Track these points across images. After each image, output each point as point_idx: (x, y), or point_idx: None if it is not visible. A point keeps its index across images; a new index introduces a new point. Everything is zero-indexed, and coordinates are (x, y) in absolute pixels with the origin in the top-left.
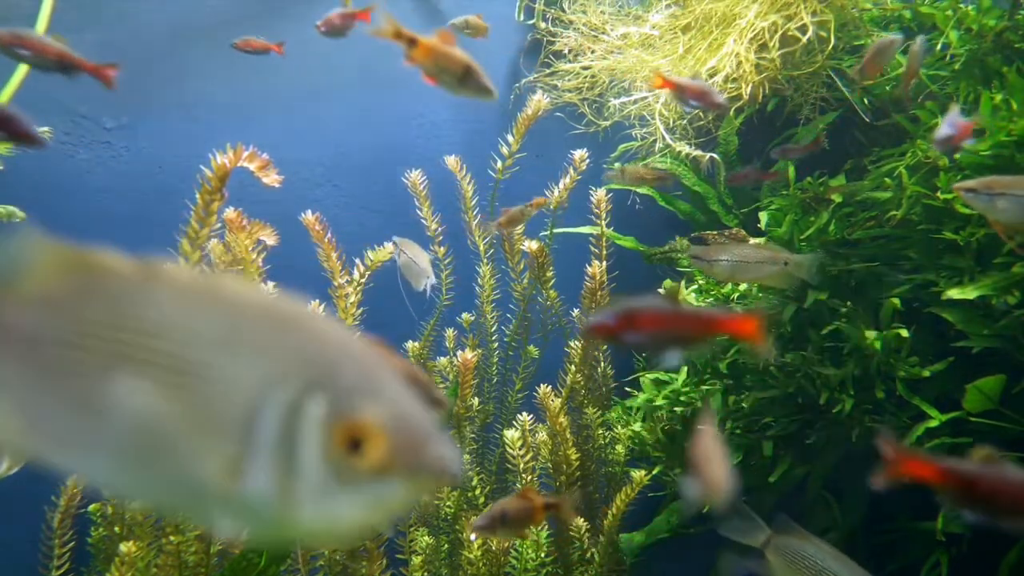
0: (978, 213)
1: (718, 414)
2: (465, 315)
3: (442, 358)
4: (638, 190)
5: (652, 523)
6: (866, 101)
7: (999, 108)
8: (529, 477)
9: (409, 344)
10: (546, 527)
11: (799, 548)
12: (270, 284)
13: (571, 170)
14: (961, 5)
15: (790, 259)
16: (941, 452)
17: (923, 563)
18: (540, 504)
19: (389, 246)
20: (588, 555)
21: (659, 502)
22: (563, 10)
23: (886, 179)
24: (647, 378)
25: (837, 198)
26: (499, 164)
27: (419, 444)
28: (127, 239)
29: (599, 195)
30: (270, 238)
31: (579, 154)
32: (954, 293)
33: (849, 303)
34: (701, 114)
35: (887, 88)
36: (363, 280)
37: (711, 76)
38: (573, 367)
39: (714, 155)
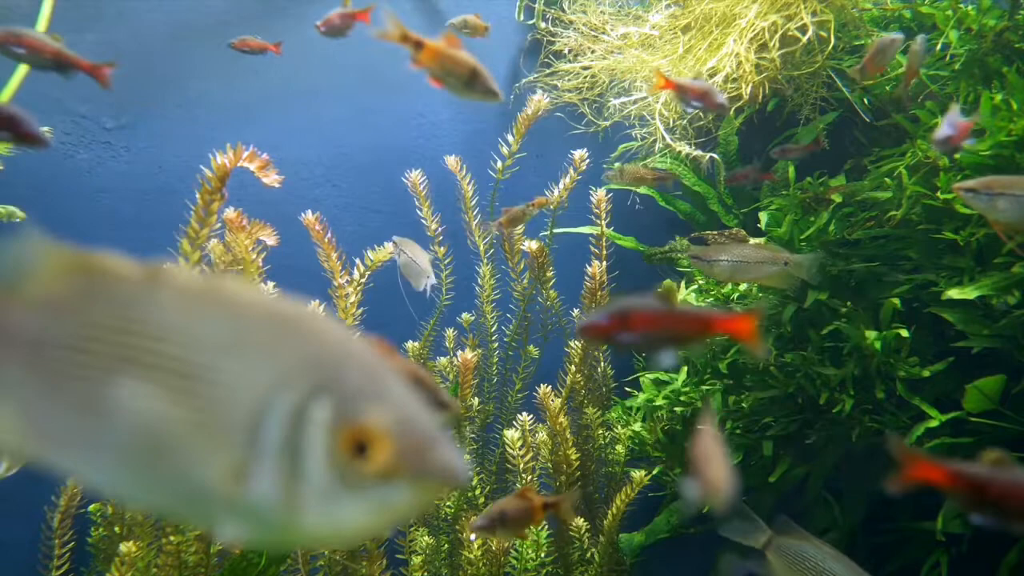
0: (978, 213)
1: (718, 414)
2: (465, 315)
3: (442, 358)
4: (638, 190)
5: (652, 523)
6: (866, 101)
7: (999, 108)
8: (529, 477)
9: (409, 344)
10: (546, 527)
11: (800, 549)
12: (270, 284)
13: (571, 170)
14: (961, 5)
15: (790, 259)
16: (941, 452)
17: (923, 563)
18: (539, 504)
19: (389, 246)
20: (588, 555)
21: (659, 502)
22: (563, 10)
23: (886, 179)
24: (647, 378)
25: (837, 198)
26: (499, 164)
27: (424, 448)
28: (127, 239)
29: (599, 195)
30: (270, 238)
31: (579, 154)
32: (954, 293)
33: (849, 303)
34: (701, 114)
35: (887, 88)
36: (363, 280)
37: (711, 76)
38: (573, 367)
39: (714, 155)
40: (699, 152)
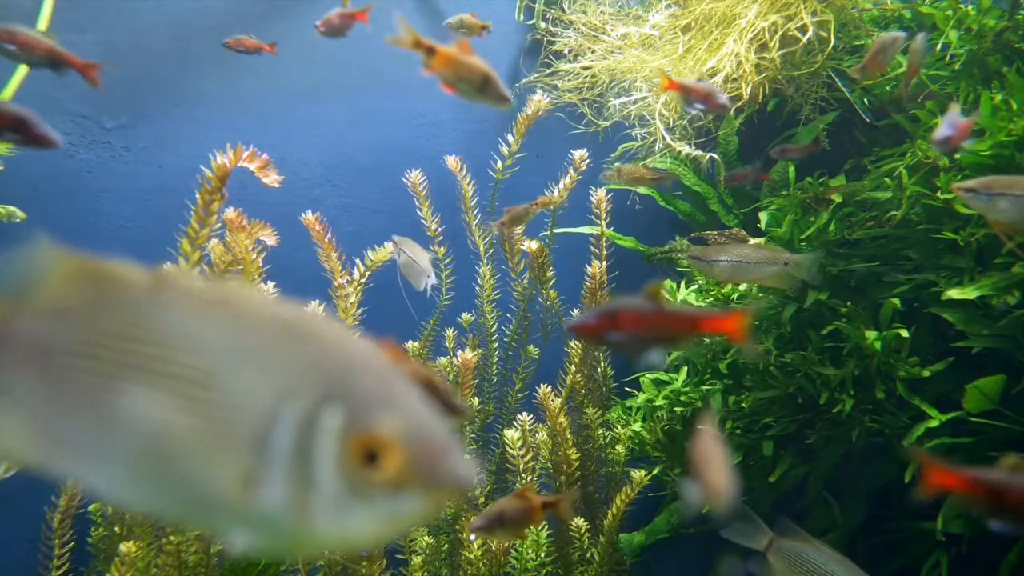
0: (978, 213)
1: (718, 414)
2: (465, 315)
3: (442, 358)
4: (638, 190)
5: (652, 523)
6: (866, 101)
7: (999, 108)
8: (529, 477)
9: (409, 344)
10: (546, 527)
11: (801, 551)
12: (270, 284)
13: (571, 170)
14: (961, 5)
15: (790, 259)
16: (941, 452)
17: (923, 563)
18: (538, 504)
19: (389, 246)
20: (588, 555)
21: (659, 502)
22: (563, 10)
23: (886, 179)
24: (647, 378)
25: (837, 198)
26: (499, 164)
27: (435, 457)
28: (127, 239)
29: (599, 195)
30: (270, 238)
31: (579, 154)
32: (954, 293)
33: (849, 303)
34: (701, 114)
35: (887, 88)
36: (363, 280)
37: (711, 76)
38: (573, 367)
39: (714, 155)
40: (699, 152)
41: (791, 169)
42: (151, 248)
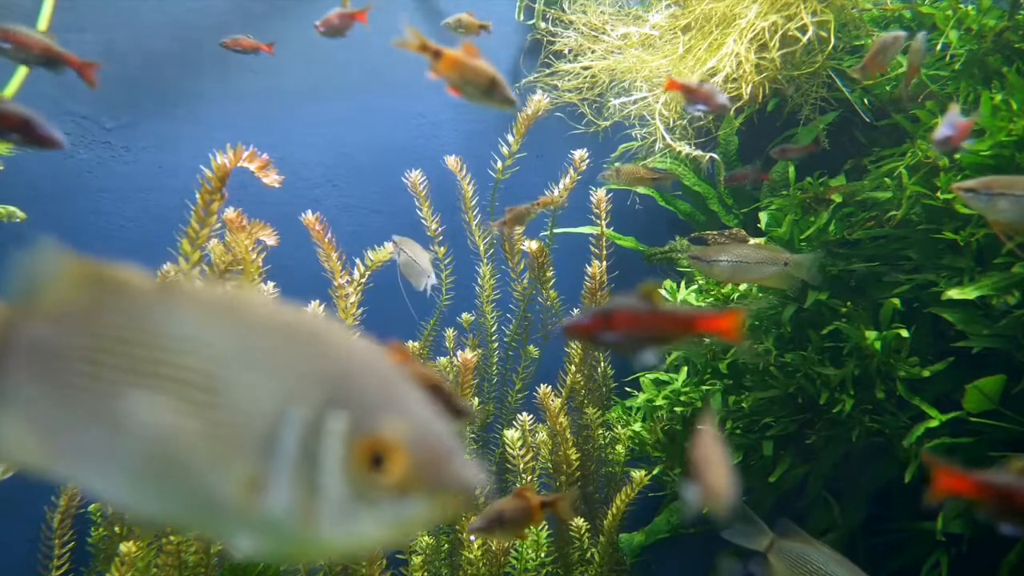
0: (978, 213)
1: (718, 414)
2: (465, 315)
3: (442, 358)
4: (638, 190)
5: (652, 523)
6: (866, 101)
7: (999, 108)
8: (529, 477)
9: (409, 344)
10: (546, 527)
11: (802, 552)
12: (270, 284)
13: (571, 170)
14: (961, 5)
15: (790, 259)
16: (941, 452)
17: (923, 563)
18: (537, 503)
19: (389, 246)
20: (588, 555)
21: (659, 502)
22: (563, 10)
23: (886, 179)
24: (647, 378)
25: (837, 198)
26: (499, 164)
27: (441, 461)
28: (127, 239)
29: (599, 195)
30: (270, 238)
31: (579, 154)
32: (954, 293)
33: (849, 303)
34: (701, 114)
35: (887, 88)
36: (363, 280)
37: (711, 76)
38: (573, 367)
39: (714, 155)
40: (699, 152)
41: (791, 169)
42: (151, 248)
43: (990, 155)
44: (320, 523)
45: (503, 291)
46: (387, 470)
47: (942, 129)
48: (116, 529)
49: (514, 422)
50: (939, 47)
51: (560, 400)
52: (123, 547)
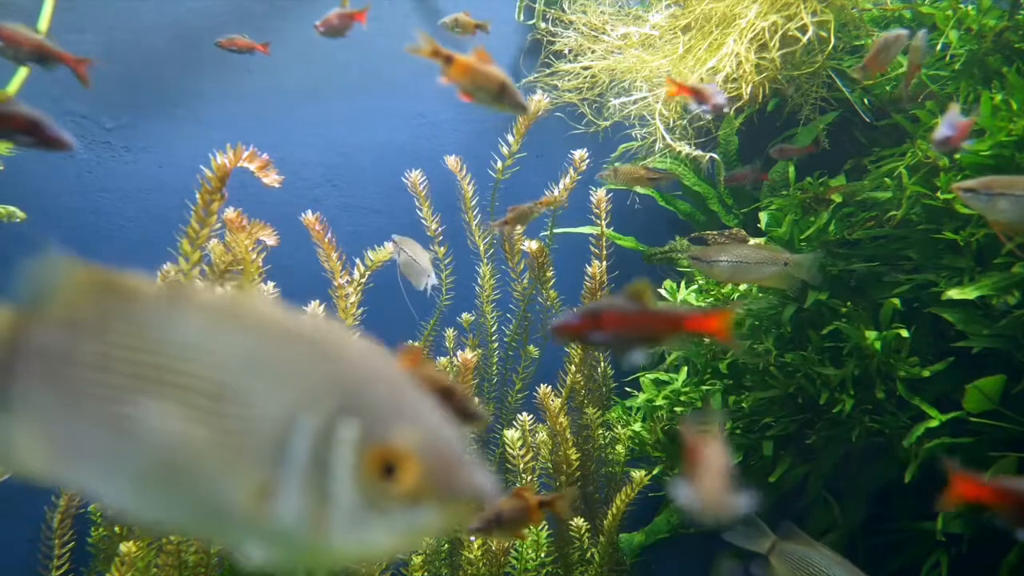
0: (978, 213)
1: (719, 415)
2: (465, 315)
3: (442, 358)
4: (638, 190)
5: (652, 523)
6: (866, 101)
7: (999, 108)
8: (529, 477)
9: (409, 344)
10: (546, 527)
11: (804, 555)
12: (270, 284)
13: (571, 170)
14: (961, 5)
15: (790, 259)
16: (941, 452)
17: (923, 563)
18: (535, 503)
19: (389, 246)
20: (588, 555)
21: (659, 502)
22: (563, 10)
23: (886, 179)
24: (647, 378)
25: (837, 198)
26: (499, 164)
27: (452, 469)
28: (127, 239)
29: (599, 195)
30: (270, 238)
31: (579, 154)
32: (954, 293)
33: (849, 303)
34: (702, 114)
35: (887, 88)
36: (363, 280)
37: (711, 76)
38: (573, 367)
39: (714, 155)
40: (699, 152)
41: (791, 169)
42: (151, 248)
43: (990, 155)
44: (331, 531)
45: (503, 291)
46: (398, 479)
47: (942, 129)
48: (116, 529)
49: (514, 422)
50: (939, 47)
51: (560, 400)
52: (123, 547)
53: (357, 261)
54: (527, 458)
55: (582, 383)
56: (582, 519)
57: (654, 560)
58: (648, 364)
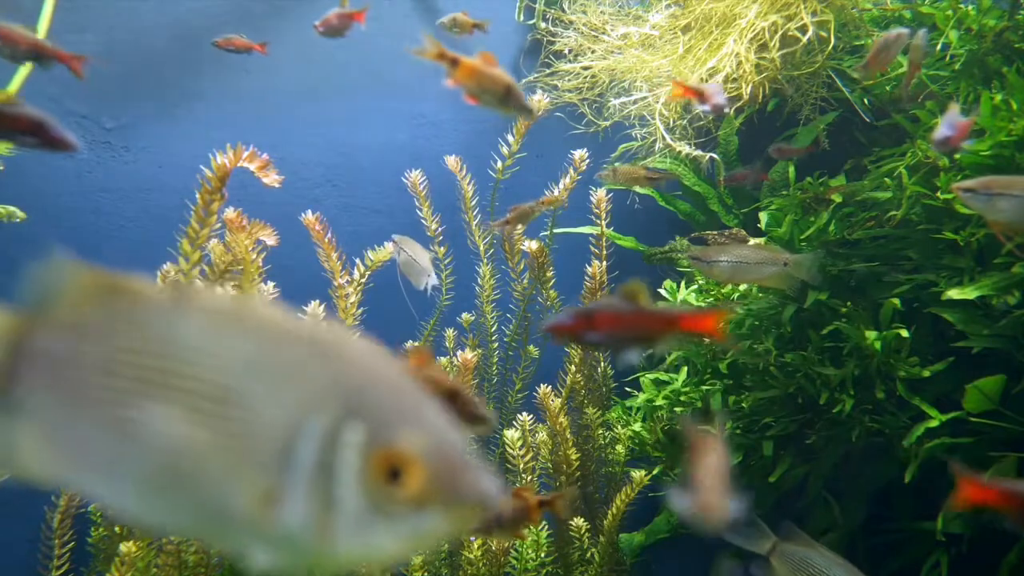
0: (978, 213)
1: (719, 415)
2: (465, 315)
3: (442, 358)
4: (638, 190)
5: (652, 523)
6: (866, 101)
7: (999, 108)
8: (529, 477)
9: (409, 344)
10: (546, 527)
11: (805, 556)
12: (270, 284)
13: (571, 170)
14: (961, 5)
15: (790, 259)
16: (941, 452)
17: (923, 563)
18: (534, 503)
19: (389, 246)
20: (588, 555)
21: (659, 502)
22: (563, 10)
23: (886, 179)
24: (647, 378)
25: (837, 198)
26: (499, 164)
27: (458, 473)
28: (127, 239)
29: (599, 195)
30: (270, 238)
31: (579, 154)
32: (954, 293)
33: (849, 303)
34: (701, 114)
35: (887, 88)
36: (363, 280)
37: (711, 76)
38: (573, 367)
39: (714, 155)
40: (699, 152)
41: (791, 169)
42: (151, 248)
43: (990, 155)
44: (336, 536)
45: (503, 291)
46: (404, 483)
47: (942, 129)
48: (116, 529)
49: (514, 422)
50: (939, 47)
51: (560, 400)
52: (123, 547)
53: (357, 261)
54: (527, 458)
55: (582, 383)
56: (582, 519)
57: (654, 560)
58: (647, 364)
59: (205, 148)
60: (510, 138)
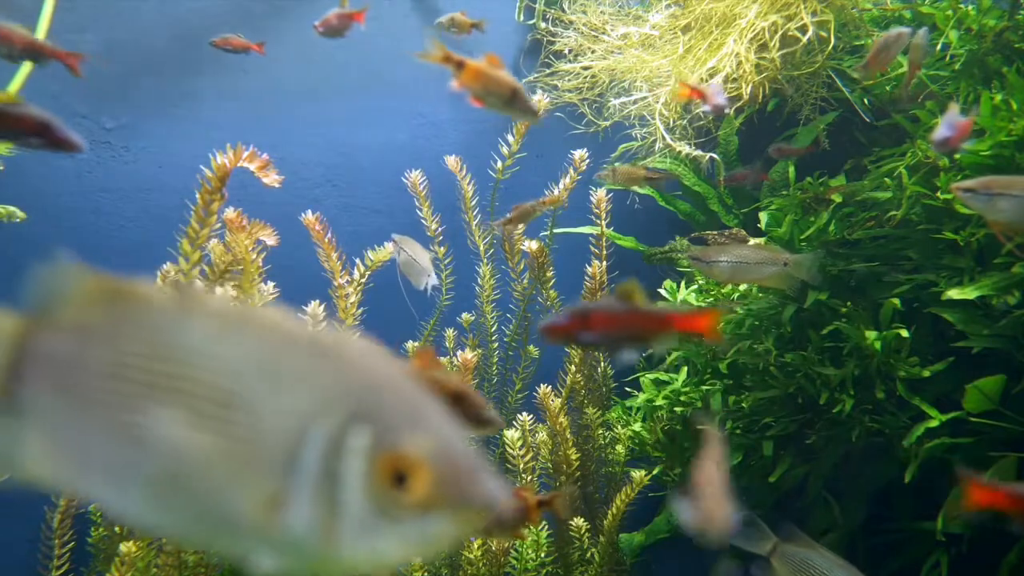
0: (978, 213)
1: (718, 415)
2: (465, 315)
3: (442, 358)
4: (639, 190)
5: (652, 523)
6: (866, 101)
7: (999, 108)
8: (529, 477)
9: (409, 344)
10: (546, 527)
11: (806, 557)
12: (270, 284)
13: (571, 170)
14: (961, 5)
15: (790, 259)
16: (941, 452)
17: (923, 563)
18: (533, 503)
19: (389, 245)
20: (588, 555)
21: (659, 502)
22: (563, 10)
23: (886, 179)
24: (647, 378)
25: (837, 198)
26: (499, 164)
27: (464, 477)
28: (127, 239)
29: (599, 195)
30: (270, 238)
31: (579, 154)
32: (954, 293)
33: (849, 303)
34: (701, 114)
35: (887, 88)
36: (363, 280)
37: (711, 76)
38: (573, 367)
39: (714, 155)
40: (699, 152)
41: (791, 169)
42: (151, 248)
43: (990, 155)
44: (341, 541)
45: (503, 291)
46: (410, 487)
47: (941, 129)
48: (116, 529)
49: (514, 422)
50: (939, 47)
51: (560, 400)
52: (123, 547)
53: (357, 261)
54: (527, 458)
55: (582, 383)
56: (582, 519)
57: (654, 560)
58: (647, 364)
59: (205, 148)
60: (510, 138)
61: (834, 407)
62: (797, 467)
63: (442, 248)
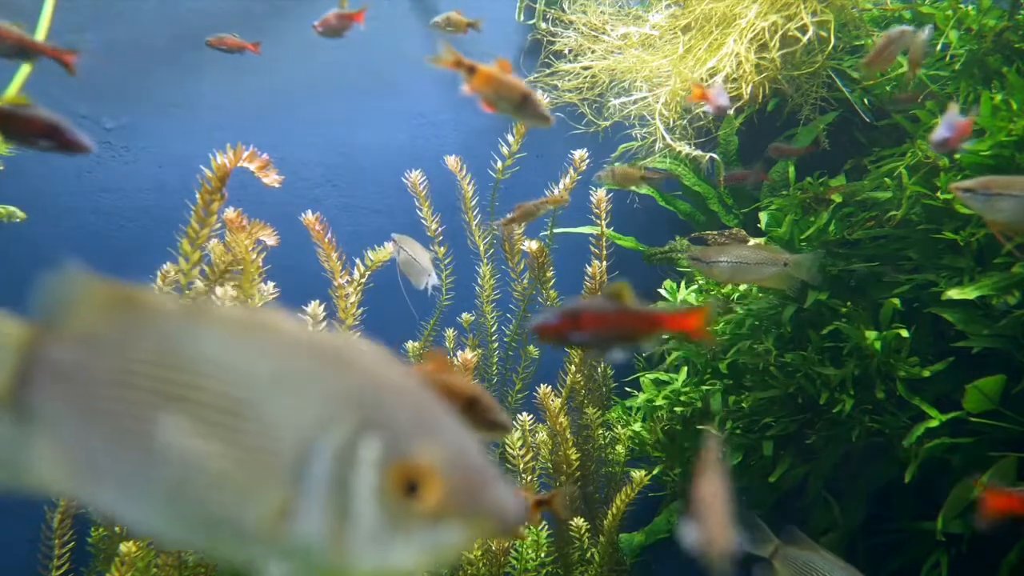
0: (978, 213)
1: (718, 415)
2: (465, 315)
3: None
4: (639, 190)
5: (652, 523)
6: (866, 101)
7: (999, 108)
8: (529, 477)
9: (409, 344)
10: (546, 527)
11: (807, 559)
12: (270, 284)
13: (571, 170)
14: (961, 5)
15: (790, 260)
16: (941, 452)
17: (923, 563)
18: (532, 502)
19: (389, 245)
20: (588, 555)
21: (659, 502)
22: (563, 10)
23: (886, 179)
24: (647, 378)
25: (837, 198)
26: (499, 164)
27: (476, 486)
28: (127, 239)
29: (599, 195)
30: (270, 238)
31: (579, 154)
32: (954, 293)
33: (849, 303)
34: (701, 114)
35: (887, 88)
36: (363, 280)
37: (711, 76)
38: (573, 367)
39: (714, 155)
40: (699, 152)
41: (791, 169)
42: (151, 248)
43: (990, 155)
44: (351, 550)
45: (503, 291)
46: (421, 496)
47: (940, 130)
48: (116, 529)
49: (514, 422)
50: (939, 47)
51: (560, 400)
52: (123, 547)
53: (357, 261)
54: (527, 458)
55: (582, 383)
56: (582, 519)
57: (654, 560)
58: (647, 364)
59: (205, 148)
60: (510, 138)
61: (834, 407)
62: (797, 467)
63: (442, 248)
